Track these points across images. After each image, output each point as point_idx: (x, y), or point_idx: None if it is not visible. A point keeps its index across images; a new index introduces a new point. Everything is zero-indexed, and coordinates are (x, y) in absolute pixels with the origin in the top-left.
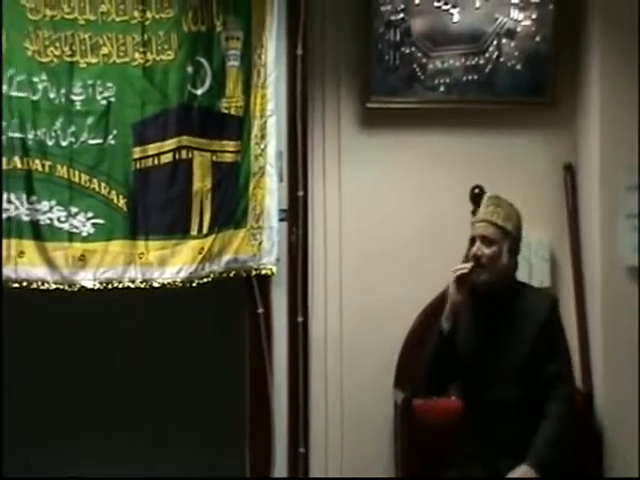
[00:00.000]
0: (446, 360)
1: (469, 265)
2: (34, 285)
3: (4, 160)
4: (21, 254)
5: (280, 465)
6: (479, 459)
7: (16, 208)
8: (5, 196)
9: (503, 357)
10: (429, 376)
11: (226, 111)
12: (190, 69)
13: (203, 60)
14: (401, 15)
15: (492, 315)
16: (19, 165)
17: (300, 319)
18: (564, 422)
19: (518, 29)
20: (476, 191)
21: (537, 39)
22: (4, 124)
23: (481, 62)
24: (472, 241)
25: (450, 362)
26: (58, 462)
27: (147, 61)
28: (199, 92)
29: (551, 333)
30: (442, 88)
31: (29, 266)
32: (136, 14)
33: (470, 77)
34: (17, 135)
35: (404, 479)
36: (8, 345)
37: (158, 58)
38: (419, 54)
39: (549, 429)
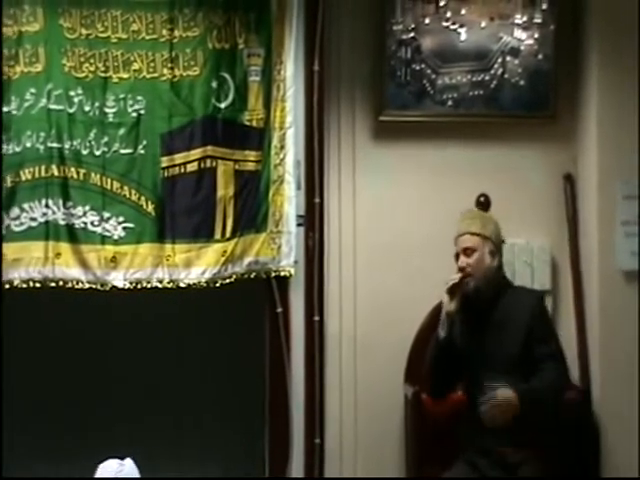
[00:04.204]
0: (446, 364)
1: (457, 276)
2: (69, 284)
3: (43, 168)
4: (58, 255)
5: (297, 455)
6: (483, 449)
7: (53, 213)
8: (43, 201)
9: (498, 352)
10: (432, 381)
11: (248, 123)
12: (214, 84)
13: (227, 75)
14: (412, 34)
15: (485, 315)
16: (56, 173)
17: (316, 318)
18: (550, 385)
19: (521, 47)
20: (481, 199)
21: (539, 57)
22: (43, 134)
23: (486, 78)
24: (457, 256)
25: (450, 366)
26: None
27: (175, 76)
28: (223, 105)
29: (540, 323)
30: (450, 103)
31: (65, 266)
32: (165, 33)
33: (476, 92)
34: (55, 145)
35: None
36: (40, 341)
37: (185, 74)
38: (429, 70)
39: (536, 382)
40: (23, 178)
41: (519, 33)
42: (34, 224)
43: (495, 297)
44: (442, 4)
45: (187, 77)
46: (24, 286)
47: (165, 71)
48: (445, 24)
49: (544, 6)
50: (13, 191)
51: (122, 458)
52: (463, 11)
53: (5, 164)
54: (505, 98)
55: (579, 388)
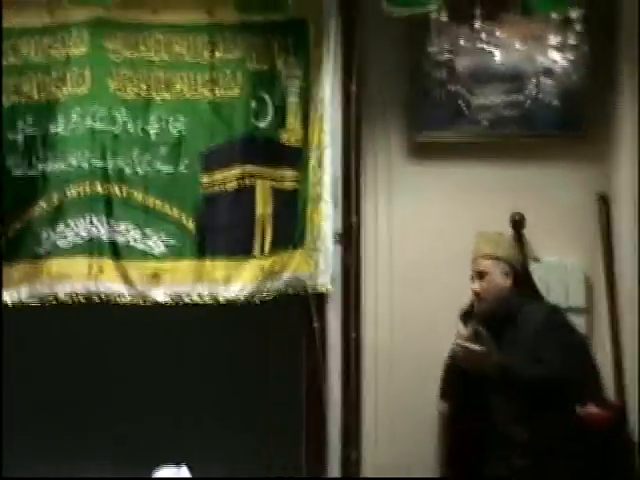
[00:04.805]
0: (460, 386)
1: (469, 302)
2: (112, 299)
3: (87, 185)
4: (101, 271)
5: (333, 469)
6: (504, 462)
7: (97, 229)
8: (88, 218)
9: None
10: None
11: (286, 142)
12: (254, 104)
13: (266, 96)
14: (447, 55)
15: (499, 335)
16: (100, 190)
17: (353, 334)
18: (533, 368)
19: (556, 68)
20: (516, 218)
21: (573, 77)
22: (88, 153)
23: (521, 99)
24: (472, 278)
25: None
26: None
27: (215, 97)
28: (262, 125)
29: (543, 339)
30: (485, 123)
31: (108, 282)
32: (206, 55)
33: (510, 113)
34: (99, 163)
35: None
36: (86, 353)
37: (225, 94)
38: (464, 91)
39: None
40: (69, 195)
41: (553, 54)
42: (79, 240)
43: (509, 317)
44: (477, 26)
45: (227, 97)
46: (68, 300)
47: (206, 92)
48: (480, 45)
49: (578, 27)
50: (59, 208)
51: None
52: (498, 33)
53: (52, 182)
54: (539, 118)
55: (614, 406)
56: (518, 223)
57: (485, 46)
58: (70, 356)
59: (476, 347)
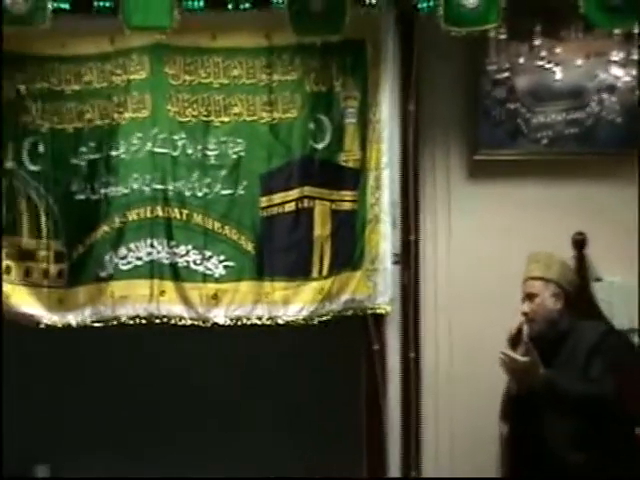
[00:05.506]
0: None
1: (516, 325)
2: (173, 321)
3: (148, 209)
4: (162, 293)
5: None
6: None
7: (158, 252)
8: (149, 241)
9: None
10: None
11: (344, 164)
12: (312, 125)
13: (323, 117)
14: (506, 74)
15: (550, 357)
16: (161, 214)
17: (412, 354)
18: (580, 386)
19: (618, 84)
20: (578, 238)
21: (636, 93)
22: (148, 177)
23: (582, 116)
24: (522, 300)
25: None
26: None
27: (273, 119)
28: (320, 146)
29: (597, 359)
30: (545, 141)
31: (168, 304)
32: (264, 77)
33: (571, 130)
34: (159, 187)
35: None
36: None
37: (283, 116)
38: (523, 109)
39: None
40: (130, 219)
41: (615, 70)
42: (140, 263)
43: (560, 339)
44: (537, 43)
45: (285, 119)
46: (130, 322)
47: (264, 114)
48: (540, 63)
49: None
50: (121, 231)
51: None
52: (558, 49)
53: (114, 206)
54: (600, 135)
55: None
56: (580, 243)
57: (545, 63)
58: (148, 367)
59: (520, 357)
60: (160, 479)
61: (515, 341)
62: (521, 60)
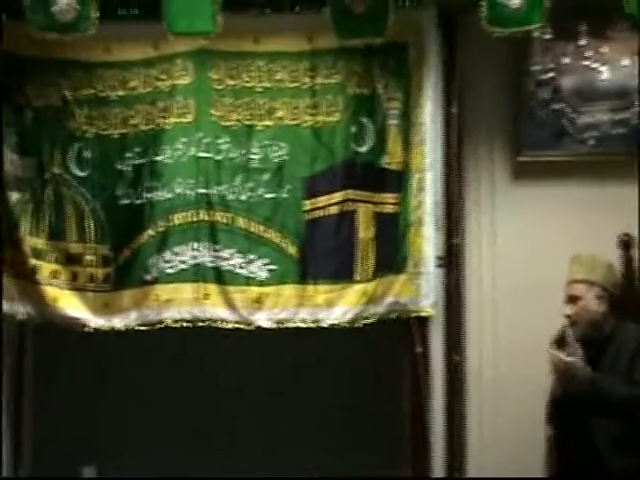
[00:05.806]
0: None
1: (560, 328)
2: (217, 324)
3: (192, 213)
4: (207, 296)
5: None
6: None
7: (202, 255)
8: (193, 245)
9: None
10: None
11: (387, 166)
12: (354, 128)
13: (366, 120)
14: (551, 74)
15: (595, 359)
16: (205, 217)
17: (456, 357)
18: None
19: None
20: (625, 239)
21: None
22: (192, 181)
23: (628, 116)
24: (566, 303)
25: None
26: None
27: (316, 122)
28: (362, 149)
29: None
30: (591, 142)
31: (212, 307)
32: (307, 80)
33: (618, 131)
34: (203, 191)
35: None
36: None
37: (326, 119)
38: (568, 110)
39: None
40: (174, 223)
41: None
42: (184, 266)
43: (605, 341)
44: (582, 43)
45: (328, 123)
46: (175, 326)
47: (307, 117)
48: (585, 63)
49: None
50: (166, 235)
51: None
52: (604, 49)
53: (158, 210)
54: None
55: None
56: (626, 244)
57: (591, 63)
58: (192, 369)
59: (566, 357)
60: (203, 479)
61: (559, 344)
62: (566, 60)
